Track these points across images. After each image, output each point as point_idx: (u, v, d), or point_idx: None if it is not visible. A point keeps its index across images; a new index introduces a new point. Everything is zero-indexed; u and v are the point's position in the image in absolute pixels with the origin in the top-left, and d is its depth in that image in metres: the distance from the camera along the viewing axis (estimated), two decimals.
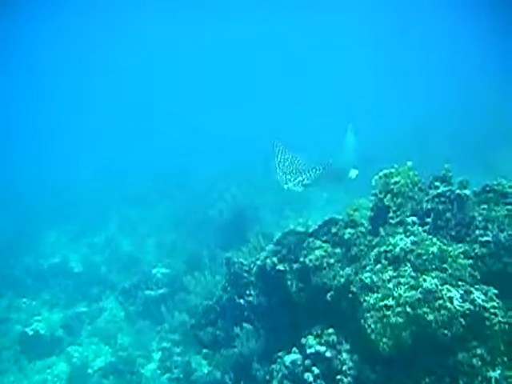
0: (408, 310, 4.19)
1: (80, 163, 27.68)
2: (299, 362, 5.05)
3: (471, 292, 4.19)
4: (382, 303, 4.33)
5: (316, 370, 4.89)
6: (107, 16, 39.82)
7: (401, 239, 4.64)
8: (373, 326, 4.31)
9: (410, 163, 5.31)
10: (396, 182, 5.12)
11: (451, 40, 41.51)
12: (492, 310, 4.11)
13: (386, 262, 4.58)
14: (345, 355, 4.75)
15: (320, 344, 4.88)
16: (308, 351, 4.93)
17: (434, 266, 4.42)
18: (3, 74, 41.44)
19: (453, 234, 4.81)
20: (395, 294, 4.32)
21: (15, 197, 21.10)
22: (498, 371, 3.91)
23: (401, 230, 4.84)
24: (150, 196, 19.22)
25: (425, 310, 4.14)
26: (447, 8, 34.71)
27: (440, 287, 4.20)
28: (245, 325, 6.22)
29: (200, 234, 13.14)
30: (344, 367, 4.72)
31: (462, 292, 4.18)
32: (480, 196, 5.12)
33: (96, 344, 10.23)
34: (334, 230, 5.47)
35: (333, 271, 5.01)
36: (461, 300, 4.12)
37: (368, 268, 4.62)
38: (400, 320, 4.19)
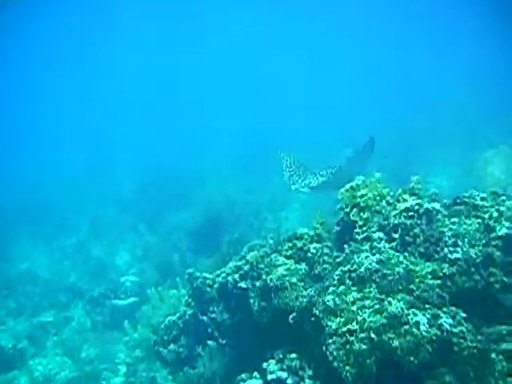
0: (372, 335, 3.91)
1: (64, 162, 27.00)
2: None
3: (439, 316, 3.93)
4: (345, 328, 4.03)
5: None
6: (107, 15, 39.43)
7: (366, 257, 4.34)
8: (335, 353, 4.02)
9: (378, 174, 4.98)
10: (362, 195, 4.80)
11: (451, 40, 41.52)
12: (461, 335, 3.87)
13: (350, 283, 4.28)
14: (307, 382, 4.44)
15: (282, 370, 4.56)
16: (269, 377, 4.60)
17: (400, 288, 4.16)
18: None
19: (421, 250, 4.50)
20: (359, 319, 4.03)
21: None
22: None
23: (367, 246, 4.53)
24: (127, 197, 18.66)
25: (390, 335, 3.87)
26: (447, 8, 34.72)
27: (406, 311, 3.93)
28: (209, 342, 5.90)
29: (174, 238, 12.76)
30: None
31: (428, 316, 3.91)
32: (450, 209, 4.86)
33: (61, 356, 9.75)
34: (299, 244, 5.16)
35: (295, 292, 4.68)
36: (428, 325, 3.85)
37: (331, 290, 4.29)
38: (364, 347, 3.91)
